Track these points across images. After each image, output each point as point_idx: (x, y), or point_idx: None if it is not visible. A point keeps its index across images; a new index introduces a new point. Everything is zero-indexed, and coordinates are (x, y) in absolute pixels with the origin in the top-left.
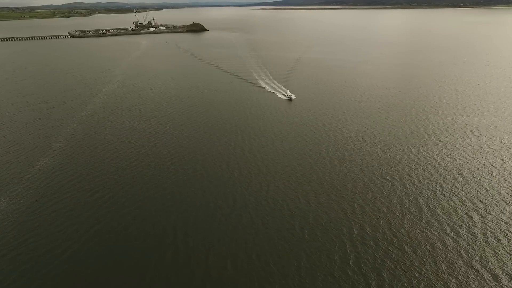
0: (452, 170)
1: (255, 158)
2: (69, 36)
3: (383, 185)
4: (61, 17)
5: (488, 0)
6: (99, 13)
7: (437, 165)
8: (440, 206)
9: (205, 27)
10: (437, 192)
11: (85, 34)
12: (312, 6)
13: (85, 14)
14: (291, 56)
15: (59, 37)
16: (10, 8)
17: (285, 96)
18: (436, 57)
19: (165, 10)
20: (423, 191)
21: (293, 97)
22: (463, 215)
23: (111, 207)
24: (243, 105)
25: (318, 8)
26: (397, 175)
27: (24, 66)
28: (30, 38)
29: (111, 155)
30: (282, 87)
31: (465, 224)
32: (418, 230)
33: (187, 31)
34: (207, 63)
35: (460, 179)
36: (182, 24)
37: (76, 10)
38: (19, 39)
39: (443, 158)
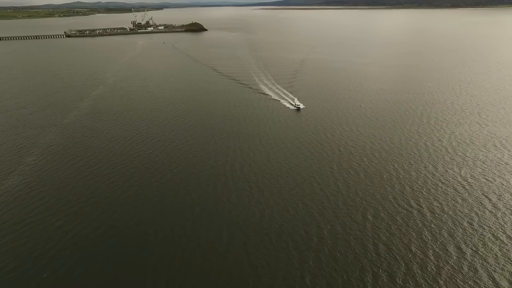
0: (478, 193)
1: (258, 181)
2: (65, 36)
3: (399, 213)
4: (60, 16)
5: (490, 0)
6: (99, 12)
7: (459, 187)
8: (472, 244)
9: (205, 26)
10: (465, 223)
11: (81, 33)
12: (312, 6)
13: (84, 14)
14: (293, 57)
15: (55, 36)
16: (10, 8)
17: (292, 105)
18: (445, 59)
19: (165, 10)
20: (448, 222)
21: (301, 106)
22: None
23: (83, 242)
24: (244, 117)
25: (319, 8)
26: (414, 201)
27: (11, 67)
28: (24, 38)
29: (90, 172)
30: (288, 93)
31: None
32: (449, 279)
33: (186, 30)
34: (204, 65)
35: (489, 205)
36: (181, 24)
37: (76, 9)
38: (12, 38)
39: (465, 178)
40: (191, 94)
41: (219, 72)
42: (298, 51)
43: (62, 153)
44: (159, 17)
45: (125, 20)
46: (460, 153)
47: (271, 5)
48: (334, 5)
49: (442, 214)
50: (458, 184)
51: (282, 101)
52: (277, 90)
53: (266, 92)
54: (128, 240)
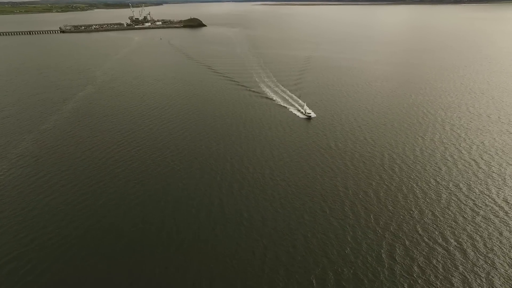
0: None
1: (259, 206)
2: (59, 32)
3: (422, 249)
4: (57, 11)
5: None
6: (98, 8)
7: (495, 217)
8: None
9: (204, 22)
10: (507, 267)
11: (76, 29)
12: (313, 2)
13: (82, 9)
14: (296, 55)
15: (49, 32)
16: (8, 3)
17: (302, 113)
18: (454, 57)
19: (165, 5)
20: (484, 266)
21: (312, 115)
22: None
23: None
24: (245, 127)
25: (320, 4)
26: (441, 235)
27: None
28: (17, 33)
29: (62, 192)
30: (295, 98)
31: None
32: None
33: (184, 26)
34: (201, 63)
35: None
36: (179, 19)
37: (74, 4)
38: (4, 34)
39: (503, 202)
40: (184, 96)
41: (217, 72)
42: (301, 48)
43: (33, 166)
44: (158, 12)
45: (123, 15)
46: (495, 169)
47: (271, 0)
48: (335, 1)
49: (477, 254)
50: (494, 213)
51: (289, 107)
52: (282, 94)
53: (270, 96)
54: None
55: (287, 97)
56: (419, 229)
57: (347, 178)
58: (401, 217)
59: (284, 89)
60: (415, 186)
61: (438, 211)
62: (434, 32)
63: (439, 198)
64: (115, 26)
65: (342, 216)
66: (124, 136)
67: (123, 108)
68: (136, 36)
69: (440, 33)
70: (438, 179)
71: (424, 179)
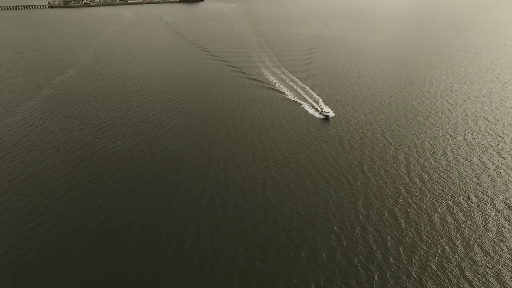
0: None
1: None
2: (47, 7)
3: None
4: None
5: None
6: None
7: None
8: None
9: None
10: None
11: (66, 4)
12: None
13: None
14: (301, 34)
15: (37, 7)
16: None
17: (317, 111)
18: (474, 36)
19: None
20: None
21: (331, 114)
22: None
23: None
24: (245, 128)
25: None
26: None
27: None
28: (1, 8)
29: (16, 200)
30: (308, 90)
31: None
32: None
33: (180, 1)
34: (195, 44)
35: None
36: None
37: None
38: None
39: None
40: (174, 83)
41: (212, 54)
42: (306, 26)
43: None
44: None
45: None
46: None
47: None
48: None
49: None
50: None
51: (301, 102)
52: (289, 83)
53: (276, 86)
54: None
55: (296, 87)
56: (467, 272)
57: (369, 195)
58: (440, 251)
59: (292, 76)
60: (453, 205)
61: (487, 244)
62: (448, 9)
63: (486, 223)
64: (107, 1)
65: (365, 251)
66: (101, 131)
67: (104, 96)
68: (128, 12)
69: (455, 10)
70: (479, 194)
71: (463, 195)
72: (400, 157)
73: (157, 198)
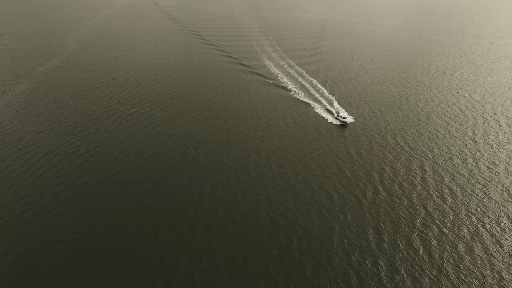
0: None
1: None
2: None
3: None
4: None
5: None
6: None
7: None
8: None
9: None
10: None
11: None
12: None
13: None
14: (306, 19)
15: None
16: None
17: (332, 114)
18: (490, 22)
19: None
20: None
21: (348, 120)
22: None
23: None
24: (245, 132)
25: None
26: None
27: None
28: None
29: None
30: (319, 87)
31: None
32: None
33: None
34: (190, 31)
35: None
36: None
37: None
38: None
39: None
40: (166, 74)
41: (209, 41)
42: (311, 10)
43: None
44: None
45: None
46: None
47: None
48: None
49: None
50: None
51: (312, 103)
52: (296, 76)
53: (280, 81)
54: None
55: (304, 83)
56: None
57: (383, 217)
58: None
59: (299, 69)
60: (485, 233)
61: None
62: None
63: None
64: None
65: None
66: (80, 131)
67: (88, 90)
68: None
69: None
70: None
71: (491, 215)
72: (414, 167)
73: (143, 204)
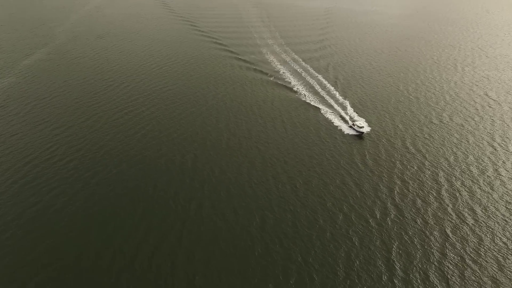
0: None
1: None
2: None
3: None
4: None
5: None
6: None
7: None
8: None
9: None
10: None
11: None
12: None
13: None
14: (309, 7)
15: None
16: None
17: (346, 122)
18: (507, 11)
19: None
20: None
21: (365, 129)
22: None
23: None
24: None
25: None
26: None
27: None
28: None
29: None
30: (329, 87)
31: None
32: None
33: None
34: (187, 21)
35: None
36: None
37: None
38: None
39: None
40: (158, 68)
41: (206, 32)
42: None
43: None
44: None
45: None
46: None
47: None
48: None
49: None
50: None
51: (321, 107)
52: (304, 75)
53: (287, 81)
54: None
55: (313, 83)
56: None
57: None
58: None
59: (305, 65)
60: None
61: None
62: None
63: None
64: None
65: None
66: (60, 134)
67: (72, 86)
68: None
69: None
70: None
71: None
72: (428, 179)
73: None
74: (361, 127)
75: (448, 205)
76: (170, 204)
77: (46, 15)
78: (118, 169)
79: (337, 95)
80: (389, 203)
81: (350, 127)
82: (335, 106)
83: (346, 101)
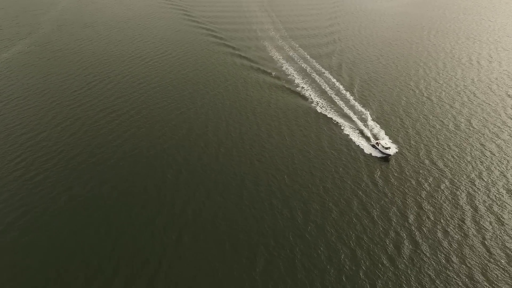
0: None
1: None
2: None
3: None
4: None
5: None
6: None
7: None
8: None
9: None
10: None
11: None
12: None
13: None
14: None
15: None
16: None
17: (367, 139)
18: None
19: None
20: None
21: (392, 150)
22: None
23: None
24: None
25: None
26: None
27: None
28: None
29: None
30: (344, 93)
31: None
32: None
33: None
34: (181, 9)
35: None
36: None
37: None
38: None
39: None
40: (148, 61)
41: (202, 23)
42: None
43: None
44: None
45: None
46: None
47: None
48: None
49: None
50: None
51: (334, 118)
52: (313, 76)
53: (295, 85)
54: None
55: (325, 87)
56: None
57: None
58: None
59: (315, 64)
60: None
61: None
62: None
63: None
64: None
65: None
66: (30, 150)
67: (52, 83)
68: None
69: None
70: None
71: None
72: (460, 202)
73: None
74: (387, 148)
75: (485, 237)
76: (147, 247)
77: (32, 0)
78: (91, 185)
79: (357, 104)
80: (399, 227)
81: (373, 146)
82: (351, 114)
83: (365, 111)
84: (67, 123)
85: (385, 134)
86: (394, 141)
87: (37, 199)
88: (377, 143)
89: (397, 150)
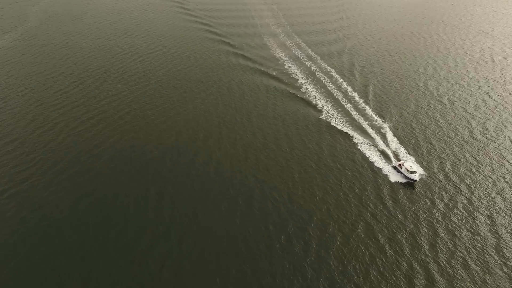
0: None
1: None
2: None
3: None
4: None
5: None
6: None
7: None
8: None
9: None
10: None
11: None
12: None
13: None
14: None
15: None
16: None
17: (388, 159)
18: None
19: None
20: None
21: (418, 175)
22: None
23: None
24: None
25: None
26: None
27: None
28: None
29: None
30: (357, 100)
31: None
32: None
33: None
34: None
35: None
36: None
37: None
38: None
39: None
40: (138, 58)
41: (198, 17)
42: None
43: None
44: None
45: None
46: None
47: None
48: None
49: None
50: None
51: (352, 134)
52: (322, 78)
53: (302, 90)
54: None
55: (336, 93)
56: None
57: None
58: None
59: (324, 65)
60: None
61: None
62: None
63: None
64: None
65: None
66: (4, 158)
67: (35, 82)
68: None
69: None
70: None
71: None
72: (483, 230)
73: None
74: (412, 172)
75: None
76: (126, 261)
77: None
78: (66, 203)
79: (373, 115)
80: (413, 260)
81: (395, 168)
82: (367, 128)
83: (384, 124)
84: (45, 128)
85: (408, 154)
86: (418, 159)
87: (5, 218)
88: (399, 165)
89: (424, 174)
